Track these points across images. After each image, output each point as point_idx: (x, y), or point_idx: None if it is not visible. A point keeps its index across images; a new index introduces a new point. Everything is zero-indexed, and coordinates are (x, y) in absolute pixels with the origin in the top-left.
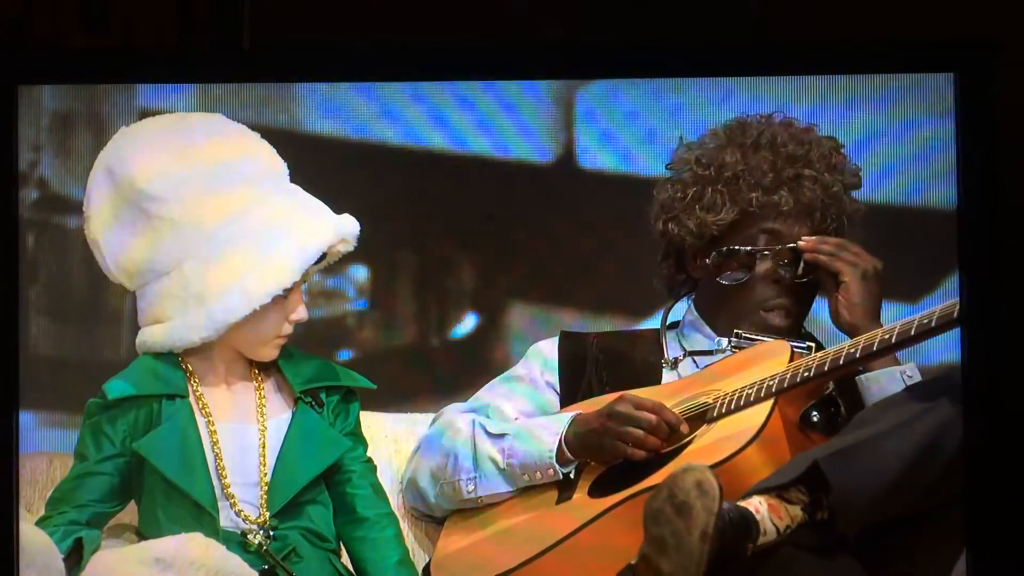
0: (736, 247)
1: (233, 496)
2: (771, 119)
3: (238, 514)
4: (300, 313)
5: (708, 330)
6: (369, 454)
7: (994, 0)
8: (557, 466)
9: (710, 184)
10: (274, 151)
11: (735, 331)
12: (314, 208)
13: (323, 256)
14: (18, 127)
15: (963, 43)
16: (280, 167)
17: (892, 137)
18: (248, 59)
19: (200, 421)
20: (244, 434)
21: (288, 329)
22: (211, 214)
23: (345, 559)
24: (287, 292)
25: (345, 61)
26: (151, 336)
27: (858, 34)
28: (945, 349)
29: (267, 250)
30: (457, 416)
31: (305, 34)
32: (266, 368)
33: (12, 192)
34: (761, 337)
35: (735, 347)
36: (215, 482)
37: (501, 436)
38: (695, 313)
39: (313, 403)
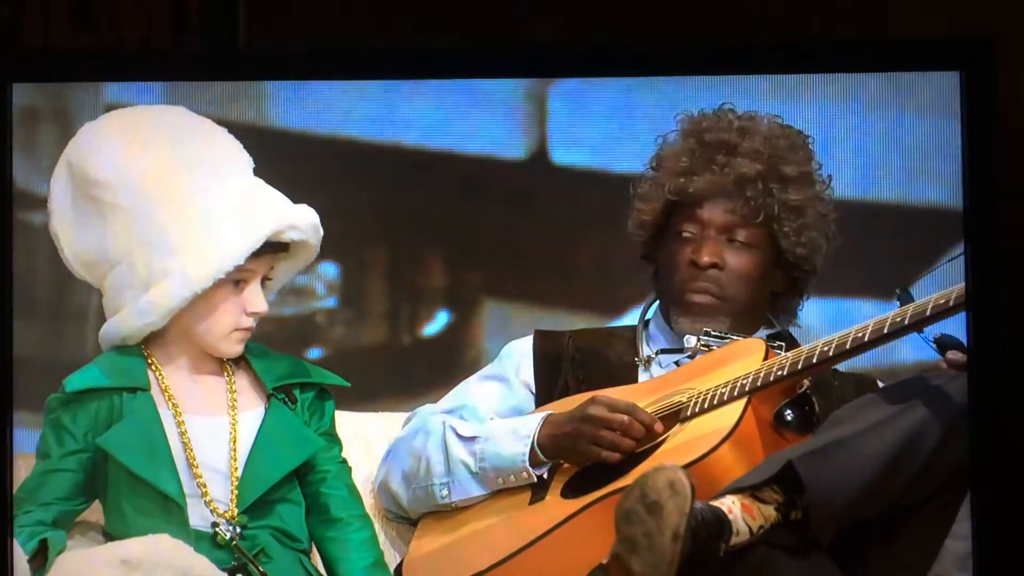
0: (656, 233)
1: (205, 486)
2: (719, 111)
3: (207, 504)
4: (257, 305)
5: (668, 327)
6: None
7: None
8: (530, 469)
9: (649, 178)
10: (238, 144)
11: (704, 329)
12: (265, 197)
13: (286, 247)
14: (12, 125)
15: (969, 41)
16: (242, 160)
17: (869, 135)
18: (241, 57)
19: (165, 414)
20: (214, 427)
21: (247, 322)
22: (158, 201)
23: (316, 560)
24: (241, 283)
25: (336, 60)
26: (105, 329)
27: (859, 32)
28: (918, 348)
29: (210, 236)
30: (429, 418)
31: (300, 34)
32: (238, 365)
33: (5, 190)
34: (729, 336)
35: (704, 345)
36: (184, 474)
37: (473, 439)
38: (659, 312)
39: (286, 400)
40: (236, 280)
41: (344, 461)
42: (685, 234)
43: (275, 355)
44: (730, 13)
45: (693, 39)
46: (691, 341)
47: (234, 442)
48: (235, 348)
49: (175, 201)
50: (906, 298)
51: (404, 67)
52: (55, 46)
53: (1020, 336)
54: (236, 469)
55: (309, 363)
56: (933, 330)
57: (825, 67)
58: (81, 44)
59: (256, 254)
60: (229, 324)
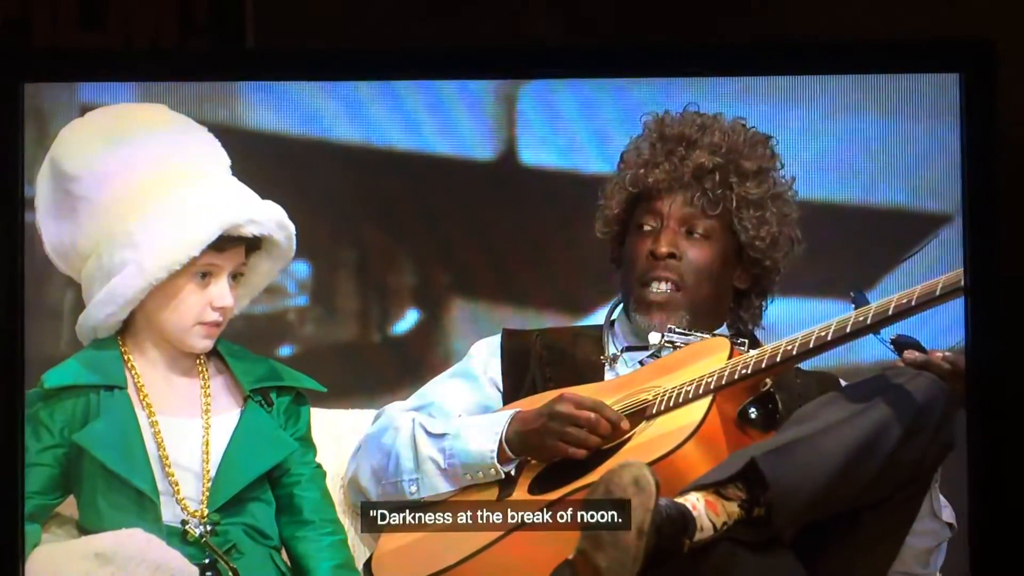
0: (616, 226)
1: (177, 484)
2: (683, 111)
3: (178, 502)
4: (222, 300)
5: (632, 325)
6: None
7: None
8: (498, 465)
9: (614, 176)
10: (215, 143)
11: (668, 327)
12: (229, 193)
13: (258, 244)
14: (23, 123)
15: (969, 43)
16: (216, 157)
17: (834, 137)
18: (249, 57)
19: (140, 414)
20: (187, 429)
21: (211, 316)
22: (123, 195)
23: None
24: (208, 276)
25: (342, 60)
26: (78, 321)
27: (858, 34)
28: (880, 348)
29: (167, 229)
30: (398, 415)
31: (307, 35)
32: (215, 365)
33: (18, 187)
34: (693, 333)
35: (668, 342)
36: (157, 472)
37: (441, 436)
38: (623, 311)
39: (263, 402)
40: (203, 273)
41: (319, 466)
42: (645, 227)
43: (254, 357)
44: (729, 13)
45: (693, 40)
46: (655, 338)
47: (206, 444)
48: (201, 343)
49: (139, 195)
50: (861, 300)
51: (409, 68)
52: (63, 46)
53: (1018, 338)
54: (208, 470)
55: (287, 367)
56: (891, 330)
57: (824, 69)
58: (89, 44)
59: (219, 248)
60: (192, 317)
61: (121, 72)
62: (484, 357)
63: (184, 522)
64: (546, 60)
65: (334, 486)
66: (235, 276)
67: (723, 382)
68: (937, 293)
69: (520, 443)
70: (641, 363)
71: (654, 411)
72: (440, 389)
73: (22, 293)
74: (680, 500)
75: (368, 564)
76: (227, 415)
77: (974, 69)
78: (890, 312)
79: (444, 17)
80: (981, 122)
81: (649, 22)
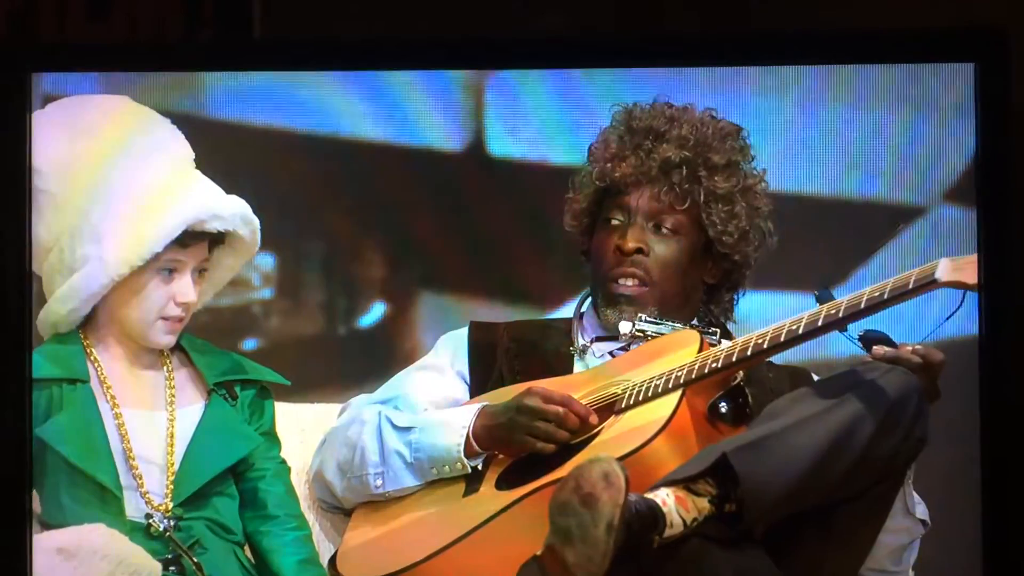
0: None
1: (141, 477)
2: (653, 103)
3: (143, 496)
4: (185, 296)
5: (601, 320)
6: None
7: None
8: (465, 459)
9: (583, 169)
10: (178, 135)
11: (638, 315)
12: (192, 187)
13: (222, 239)
14: (32, 114)
15: (984, 33)
16: (179, 151)
17: (806, 128)
18: (256, 48)
19: (104, 407)
20: (151, 421)
21: (173, 312)
22: (86, 189)
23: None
24: (172, 272)
25: (347, 51)
26: (39, 315)
27: (870, 23)
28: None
29: (130, 224)
30: (364, 408)
31: (314, 26)
32: (179, 358)
33: (25, 176)
34: (663, 322)
35: (639, 331)
36: (120, 465)
37: (408, 429)
38: (592, 304)
39: (227, 396)
40: (169, 269)
41: (283, 461)
42: (613, 221)
43: (218, 351)
44: (732, 7)
45: (705, 29)
46: (626, 327)
47: (171, 437)
48: (164, 339)
49: (102, 189)
50: (826, 298)
51: (416, 58)
52: (70, 36)
53: None
54: (172, 464)
55: (251, 361)
56: (859, 326)
57: (834, 59)
58: (95, 35)
59: (183, 244)
60: (155, 313)
61: (127, 63)
62: (451, 350)
63: (148, 516)
64: (520, 50)
65: (299, 480)
66: (199, 271)
67: (693, 376)
68: (910, 286)
69: (487, 437)
70: (611, 354)
71: (623, 405)
72: (407, 382)
73: (30, 286)
74: (650, 496)
75: (333, 560)
76: (191, 408)
77: (989, 59)
78: (862, 305)
79: (444, 14)
80: (995, 113)
81: (650, 20)
